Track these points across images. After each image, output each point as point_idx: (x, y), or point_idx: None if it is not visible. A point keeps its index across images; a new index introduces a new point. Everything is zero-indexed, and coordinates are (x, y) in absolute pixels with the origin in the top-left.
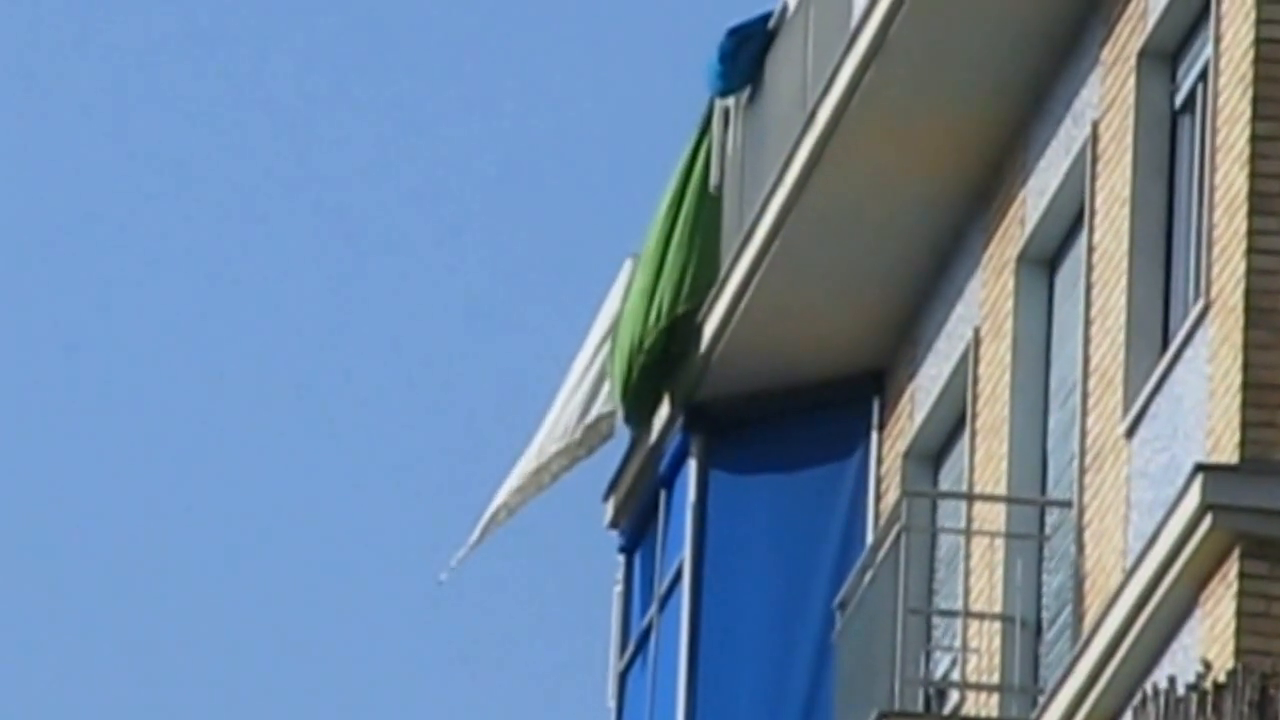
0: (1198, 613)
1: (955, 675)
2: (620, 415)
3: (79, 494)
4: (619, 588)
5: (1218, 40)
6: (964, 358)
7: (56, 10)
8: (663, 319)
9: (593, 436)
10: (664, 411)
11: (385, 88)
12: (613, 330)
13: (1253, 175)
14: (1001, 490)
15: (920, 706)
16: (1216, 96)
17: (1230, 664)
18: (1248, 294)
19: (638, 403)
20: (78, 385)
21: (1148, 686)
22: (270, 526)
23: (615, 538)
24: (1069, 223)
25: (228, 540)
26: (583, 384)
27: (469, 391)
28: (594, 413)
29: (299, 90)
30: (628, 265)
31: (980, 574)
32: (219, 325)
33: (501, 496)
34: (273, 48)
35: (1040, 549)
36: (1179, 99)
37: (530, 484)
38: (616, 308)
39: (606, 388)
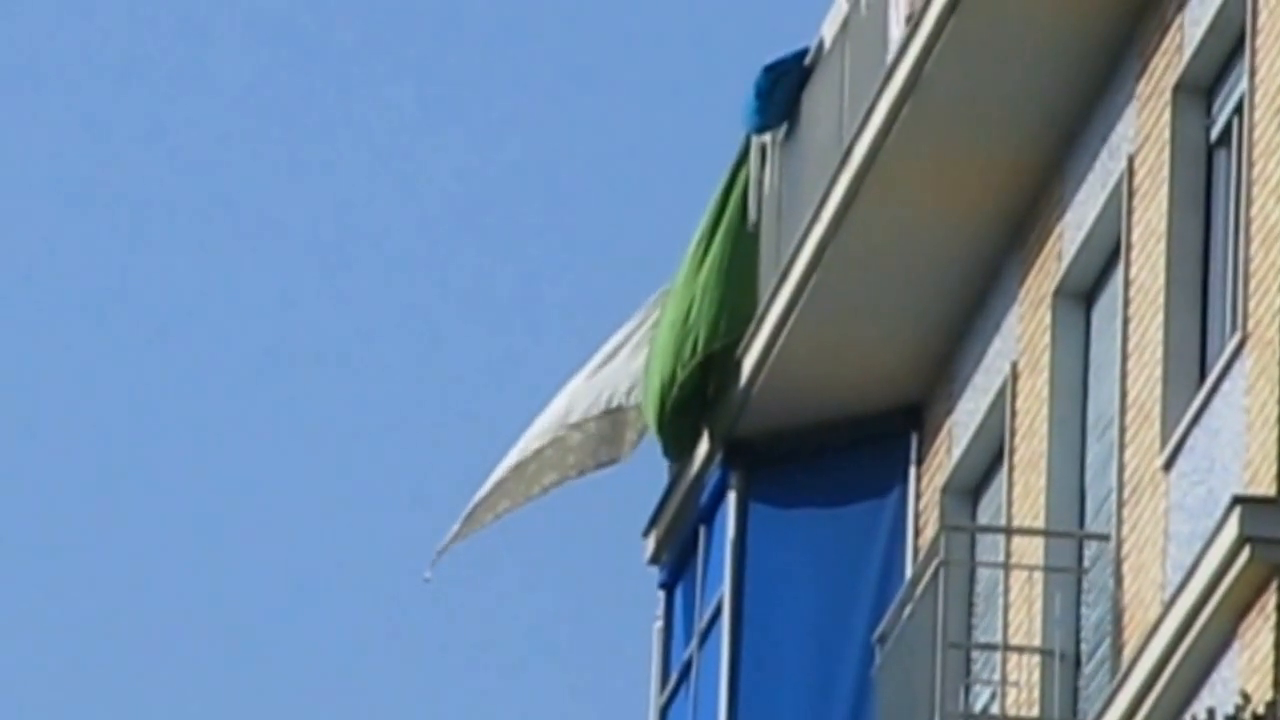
0: (1236, 644)
1: (995, 709)
2: (661, 450)
3: (68, 494)
4: (659, 623)
5: (1253, 73)
6: (1001, 392)
7: (60, 10)
8: (698, 354)
9: (586, 460)
10: (703, 447)
11: (412, 113)
12: (646, 363)
13: None
14: (1040, 524)
15: None
16: (1252, 129)
17: (1269, 695)
18: None
19: (675, 437)
20: (71, 382)
21: (1187, 718)
22: (280, 537)
23: (656, 573)
24: (1105, 256)
25: (234, 545)
26: (582, 393)
27: (492, 406)
28: (577, 415)
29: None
30: (651, 300)
31: (1019, 607)
32: (206, 317)
33: (485, 489)
34: (308, 54)
35: (1079, 582)
36: (1215, 132)
37: (518, 491)
38: (632, 329)
39: (603, 398)
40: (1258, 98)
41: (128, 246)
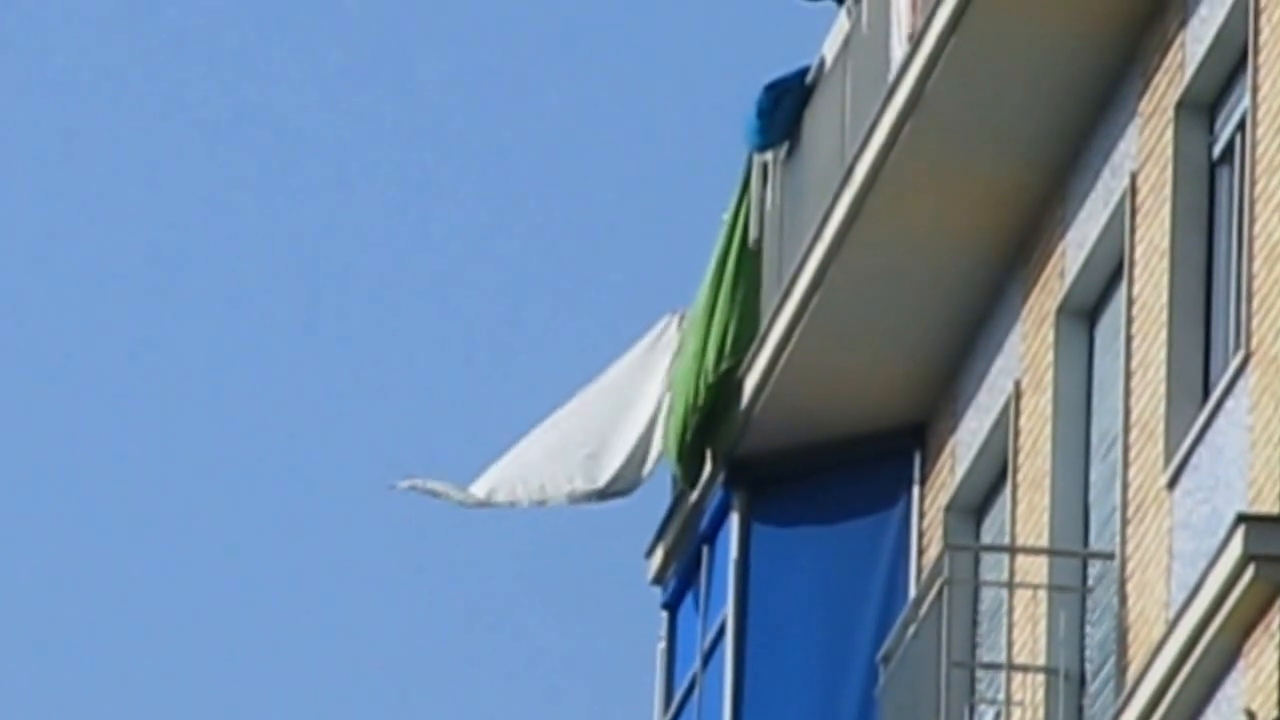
0: (1241, 663)
1: None
2: (678, 477)
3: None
4: (662, 644)
5: (1255, 90)
6: (1005, 411)
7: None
8: (709, 376)
9: (598, 494)
10: (706, 468)
11: (421, 138)
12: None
13: None
14: (1044, 543)
15: None
16: (1255, 146)
17: (1274, 714)
18: None
19: (690, 464)
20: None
21: None
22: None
23: (658, 594)
24: (1108, 275)
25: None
26: (617, 431)
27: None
28: (645, 468)
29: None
30: (665, 321)
31: (1023, 627)
32: (212, 305)
33: (482, 489)
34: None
35: (1083, 601)
36: (1217, 149)
37: (521, 498)
38: (644, 356)
39: (656, 452)
40: (1260, 114)
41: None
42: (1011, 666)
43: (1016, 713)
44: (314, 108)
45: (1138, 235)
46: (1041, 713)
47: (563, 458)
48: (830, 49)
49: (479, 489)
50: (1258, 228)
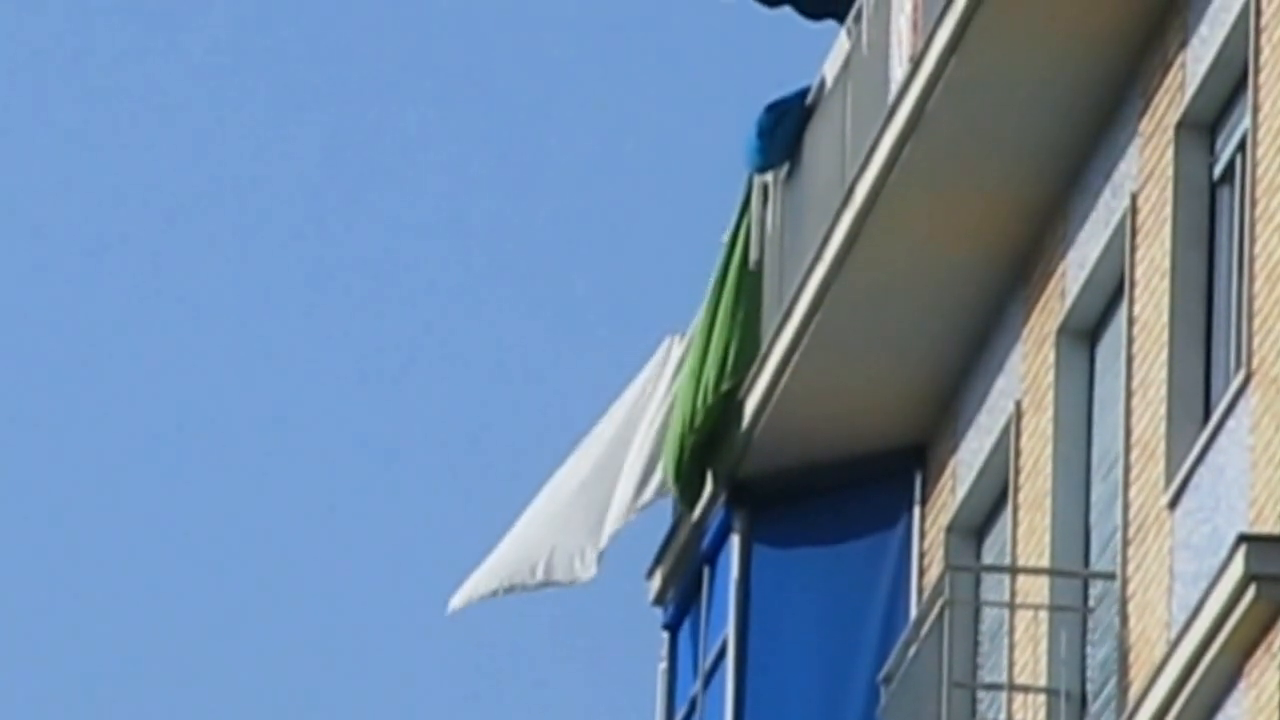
0: (1242, 684)
1: None
2: (676, 497)
3: (89, 516)
4: (663, 665)
5: (1255, 110)
6: (1005, 431)
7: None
8: (709, 397)
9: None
10: (707, 488)
11: (419, 155)
12: (668, 412)
13: None
14: (1045, 563)
15: None
16: (1255, 166)
17: None
18: None
19: (689, 484)
20: (88, 397)
21: None
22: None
23: (659, 614)
24: (1109, 295)
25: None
26: (620, 471)
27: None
28: (642, 499)
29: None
30: (666, 343)
31: (1024, 647)
32: (234, 344)
33: (539, 567)
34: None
35: (1084, 621)
36: (1218, 169)
37: (580, 576)
38: (648, 385)
39: (657, 477)
40: (1260, 134)
41: (159, 241)
42: (1013, 687)
43: None
44: (297, 130)
45: (1138, 255)
46: None
47: (600, 515)
48: (830, 69)
49: (536, 566)
50: (1258, 248)
